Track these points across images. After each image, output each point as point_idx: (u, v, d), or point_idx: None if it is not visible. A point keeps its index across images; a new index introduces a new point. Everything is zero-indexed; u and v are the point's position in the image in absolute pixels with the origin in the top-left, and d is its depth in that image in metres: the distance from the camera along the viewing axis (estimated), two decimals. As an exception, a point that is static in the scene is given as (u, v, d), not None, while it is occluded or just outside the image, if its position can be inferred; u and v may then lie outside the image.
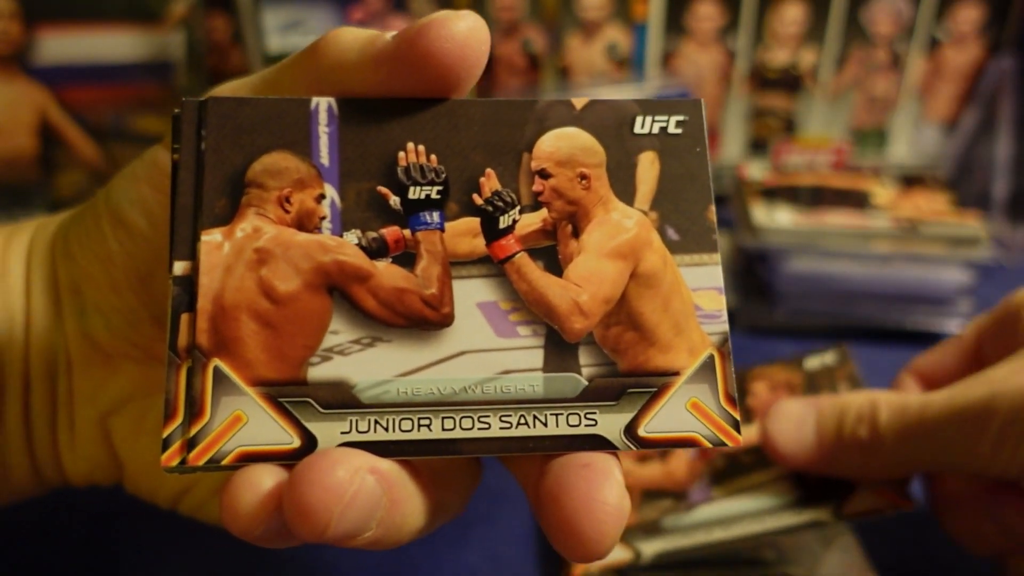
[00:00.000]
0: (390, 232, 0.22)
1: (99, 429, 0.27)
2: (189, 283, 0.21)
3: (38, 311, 0.27)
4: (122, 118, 0.57)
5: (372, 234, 0.22)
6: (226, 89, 0.24)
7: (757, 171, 0.58)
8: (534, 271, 0.22)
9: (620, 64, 0.62)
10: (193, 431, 0.20)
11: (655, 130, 0.23)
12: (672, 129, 0.23)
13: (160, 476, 0.27)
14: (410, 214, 0.22)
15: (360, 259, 0.22)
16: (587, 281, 0.22)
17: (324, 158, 0.22)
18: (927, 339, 0.50)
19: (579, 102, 0.23)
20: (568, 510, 0.20)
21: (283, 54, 0.57)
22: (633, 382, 0.21)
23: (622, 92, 0.58)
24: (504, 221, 0.22)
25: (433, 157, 0.22)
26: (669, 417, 0.21)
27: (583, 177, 0.23)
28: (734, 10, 0.60)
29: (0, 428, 0.27)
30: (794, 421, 0.32)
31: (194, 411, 0.20)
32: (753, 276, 0.53)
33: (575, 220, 0.23)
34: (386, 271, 0.22)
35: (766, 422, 0.33)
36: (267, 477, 0.20)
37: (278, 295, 0.21)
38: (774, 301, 0.51)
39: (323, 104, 0.22)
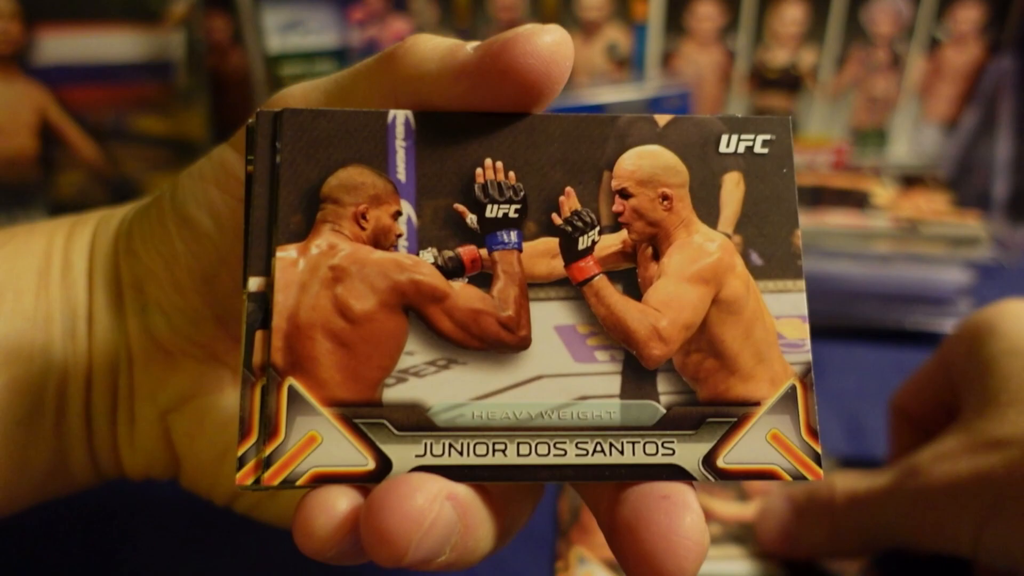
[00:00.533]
0: (467, 251, 0.22)
1: (159, 426, 0.27)
2: (264, 300, 0.21)
3: (100, 307, 0.27)
4: (122, 118, 0.57)
5: (448, 253, 0.21)
6: (297, 92, 0.23)
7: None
8: (613, 294, 0.22)
9: (620, 64, 0.62)
10: (268, 450, 0.20)
11: (741, 149, 0.22)
12: (758, 149, 0.22)
13: (217, 474, 0.28)
14: (487, 233, 0.22)
15: (436, 279, 0.21)
16: (667, 306, 0.22)
17: (401, 174, 0.22)
18: (927, 339, 0.50)
19: (662, 119, 0.22)
20: (647, 543, 0.20)
21: (283, 54, 0.57)
22: (712, 411, 0.21)
23: (622, 92, 0.58)
24: (583, 242, 0.22)
25: (512, 174, 0.22)
26: (749, 448, 0.21)
27: (665, 198, 0.22)
28: (734, 10, 0.60)
29: (61, 424, 0.27)
30: (775, 514, 0.36)
31: (269, 430, 0.20)
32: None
33: (656, 242, 0.22)
34: (462, 292, 0.21)
35: (756, 522, 0.37)
36: (342, 499, 0.20)
37: (354, 314, 0.21)
38: (774, 301, 0.51)
39: (400, 117, 0.22)
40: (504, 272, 0.22)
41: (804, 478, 0.21)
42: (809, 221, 0.52)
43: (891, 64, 0.62)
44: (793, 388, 0.21)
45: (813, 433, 0.21)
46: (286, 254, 0.21)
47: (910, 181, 0.58)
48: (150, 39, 0.56)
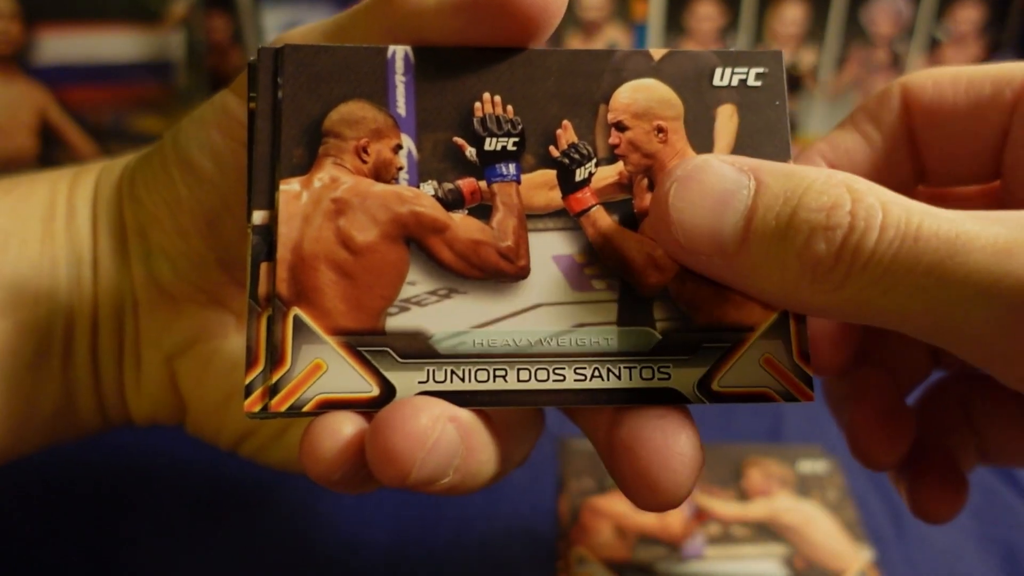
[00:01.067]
0: (466, 184, 0.22)
1: (164, 370, 0.28)
2: (268, 232, 0.21)
3: (105, 253, 0.27)
4: (122, 118, 0.57)
5: (448, 185, 0.22)
6: (296, 35, 0.24)
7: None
8: (610, 225, 0.22)
9: (620, 64, 0.62)
10: (275, 378, 0.21)
11: (734, 82, 0.23)
12: (751, 81, 0.23)
13: (223, 418, 0.28)
14: (486, 165, 0.22)
15: (437, 210, 0.22)
16: None
17: (400, 108, 0.22)
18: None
19: (657, 53, 0.23)
20: (644, 460, 0.20)
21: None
22: (707, 337, 0.21)
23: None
24: (580, 174, 0.22)
25: (510, 108, 0.22)
26: (743, 372, 0.21)
27: (660, 130, 0.22)
28: (734, 10, 0.60)
29: (68, 368, 0.27)
30: (715, 194, 0.20)
31: (275, 359, 0.21)
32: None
33: (651, 173, 0.22)
34: (462, 223, 0.22)
35: (668, 181, 0.21)
36: (347, 424, 0.20)
37: (356, 245, 0.21)
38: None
39: (400, 52, 0.22)
40: (503, 203, 0.22)
41: (795, 399, 0.21)
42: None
43: (891, 64, 0.62)
44: (785, 315, 0.21)
45: (804, 357, 0.21)
46: (289, 187, 0.21)
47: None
48: (150, 39, 0.56)
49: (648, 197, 0.22)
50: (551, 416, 0.42)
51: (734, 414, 0.45)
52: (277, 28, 0.58)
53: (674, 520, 0.38)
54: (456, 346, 0.21)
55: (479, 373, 0.21)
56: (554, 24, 0.22)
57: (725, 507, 0.39)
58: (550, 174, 0.22)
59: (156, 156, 0.27)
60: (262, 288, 0.21)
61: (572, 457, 0.41)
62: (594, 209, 0.22)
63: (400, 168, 0.22)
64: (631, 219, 0.22)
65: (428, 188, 0.22)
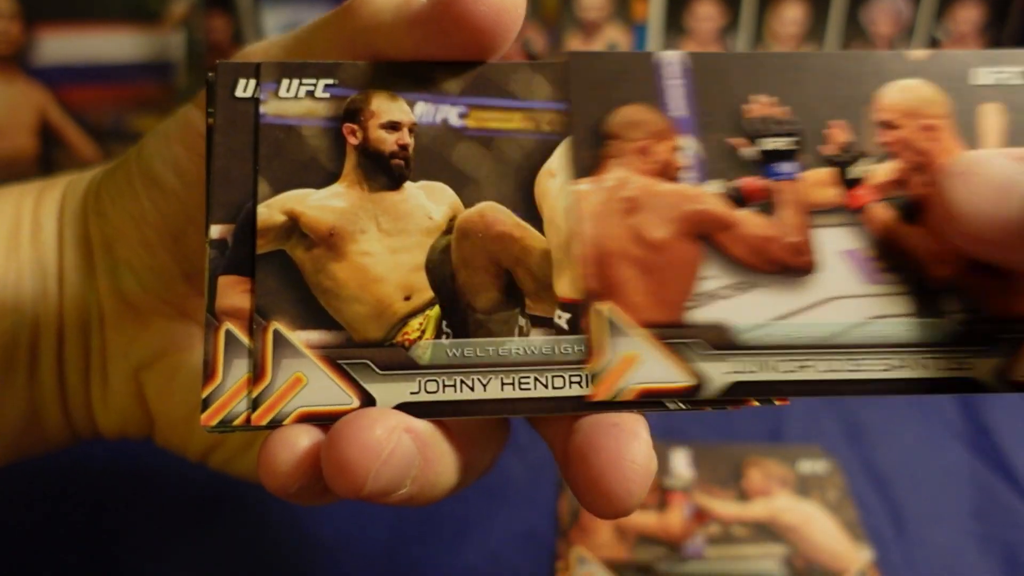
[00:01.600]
0: (749, 182, 0.23)
1: (131, 383, 0.28)
2: (225, 246, 0.21)
3: (71, 267, 0.27)
4: (122, 118, 0.57)
5: (733, 184, 0.23)
6: (259, 49, 0.24)
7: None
8: (892, 220, 0.22)
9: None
10: (256, 392, 0.21)
11: (999, 81, 0.23)
12: (1015, 81, 0.23)
13: (190, 430, 0.28)
14: (767, 164, 0.23)
15: (724, 208, 0.22)
16: None
17: (679, 110, 0.23)
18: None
19: (915, 54, 0.24)
20: (596, 469, 0.20)
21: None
22: (1002, 327, 0.22)
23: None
24: (855, 172, 0.23)
25: (785, 108, 0.23)
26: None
27: (929, 128, 0.23)
28: (734, 10, 0.60)
29: (34, 381, 0.27)
30: (997, 184, 0.21)
31: (257, 372, 0.21)
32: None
33: (924, 170, 0.23)
34: (749, 219, 0.22)
35: (947, 178, 0.21)
36: (304, 436, 0.20)
37: (652, 241, 0.22)
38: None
39: (675, 58, 0.23)
40: (786, 200, 0.23)
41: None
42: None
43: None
44: None
45: None
46: (580, 187, 0.22)
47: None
48: (150, 39, 0.56)
49: (925, 192, 0.23)
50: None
51: (734, 415, 0.45)
52: (277, 28, 0.58)
53: (674, 520, 0.38)
54: (761, 337, 0.21)
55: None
56: (511, 37, 0.22)
57: (725, 507, 0.39)
58: (825, 172, 0.23)
59: (121, 170, 0.27)
60: (221, 302, 0.21)
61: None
62: (875, 205, 0.23)
63: (679, 168, 0.23)
64: (911, 214, 0.23)
65: (716, 186, 0.22)
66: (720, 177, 0.22)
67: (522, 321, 0.22)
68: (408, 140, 0.22)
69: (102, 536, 0.37)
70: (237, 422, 0.21)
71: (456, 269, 0.22)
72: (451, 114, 0.22)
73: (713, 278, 0.22)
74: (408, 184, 0.22)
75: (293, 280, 0.21)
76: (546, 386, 0.21)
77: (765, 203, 0.22)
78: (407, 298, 0.22)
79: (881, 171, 0.23)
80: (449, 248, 0.22)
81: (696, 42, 0.62)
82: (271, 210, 0.22)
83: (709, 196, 0.22)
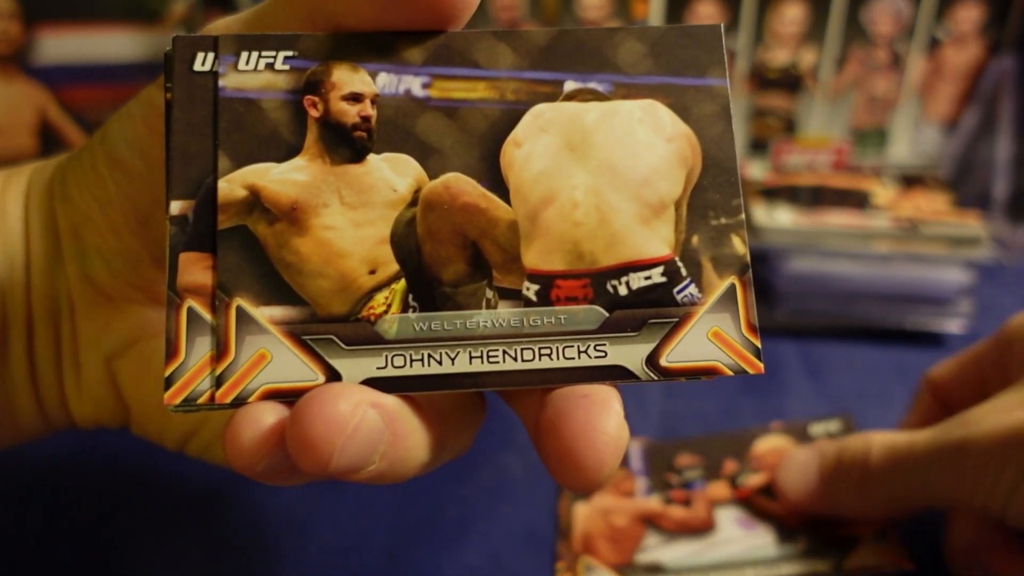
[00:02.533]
0: (675, 493, 0.34)
1: (104, 371, 0.28)
2: (186, 222, 0.21)
3: (38, 254, 0.27)
4: (122, 118, 0.57)
5: (666, 495, 0.33)
6: (220, 25, 0.24)
7: (757, 171, 0.58)
8: (761, 499, 0.36)
9: (620, 64, 0.62)
10: (219, 369, 0.21)
11: (816, 434, 0.34)
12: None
13: (166, 418, 0.28)
14: (686, 484, 0.36)
15: (662, 507, 0.37)
16: None
17: (637, 467, 0.39)
18: (927, 339, 0.50)
19: (778, 438, 0.30)
20: (567, 439, 0.20)
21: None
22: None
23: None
24: (739, 480, 0.37)
25: (698, 458, 0.33)
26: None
27: (780, 456, 0.37)
28: (734, 10, 0.60)
29: (4, 371, 0.27)
30: (799, 466, 0.35)
31: (220, 350, 0.21)
32: (753, 276, 0.52)
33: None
34: (676, 510, 0.34)
35: (776, 471, 0.36)
36: (269, 413, 0.20)
37: (616, 525, 0.31)
38: (774, 301, 0.51)
39: (636, 446, 0.33)
40: (697, 499, 0.37)
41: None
42: (809, 221, 0.52)
43: (891, 64, 0.62)
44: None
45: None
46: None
47: (910, 181, 0.58)
48: (150, 39, 0.56)
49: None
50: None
51: (734, 412, 0.45)
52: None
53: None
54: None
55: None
56: (471, 8, 0.22)
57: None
58: (723, 483, 0.38)
59: (86, 154, 0.26)
60: (182, 279, 0.21)
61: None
62: (754, 495, 0.37)
63: (635, 491, 0.34)
64: (770, 494, 0.37)
65: (656, 498, 0.37)
66: (660, 491, 0.37)
67: (489, 293, 0.22)
68: (370, 112, 0.22)
69: (99, 537, 0.37)
70: (201, 400, 0.20)
71: (422, 241, 0.22)
72: (414, 84, 0.22)
73: (651, 539, 0.36)
74: (371, 156, 0.22)
75: (255, 255, 0.21)
76: (515, 359, 0.21)
77: (686, 502, 0.37)
78: (372, 272, 0.21)
79: (755, 478, 0.38)
80: (414, 220, 0.22)
81: (696, 42, 0.62)
82: (232, 185, 0.22)
83: (653, 502, 0.37)
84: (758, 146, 0.65)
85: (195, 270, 0.21)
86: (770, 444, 0.40)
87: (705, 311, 0.22)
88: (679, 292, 0.22)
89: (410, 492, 0.39)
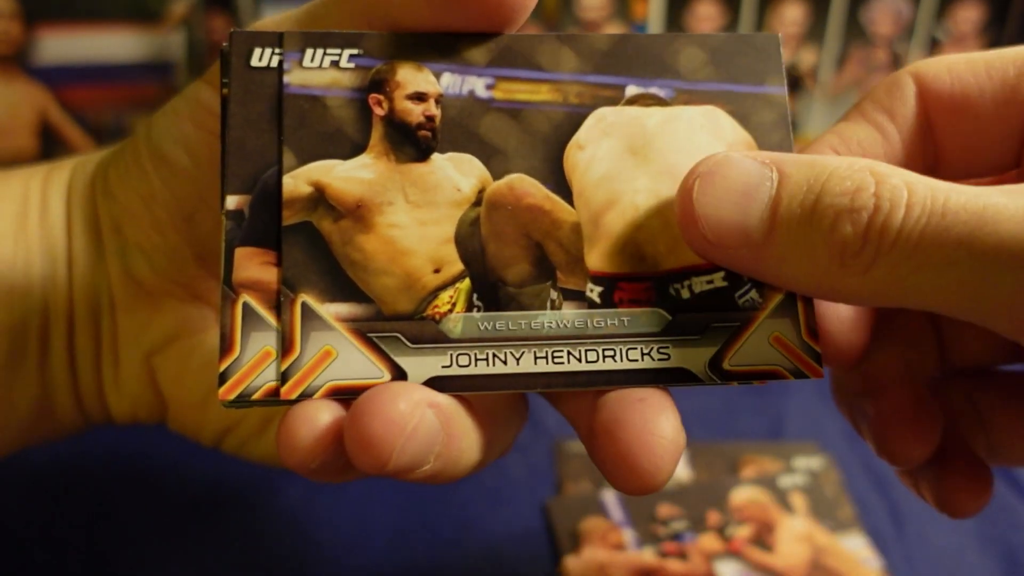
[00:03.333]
0: (667, 545, 0.33)
1: (144, 368, 0.27)
2: (241, 217, 0.21)
3: (80, 250, 0.27)
4: (122, 118, 0.57)
5: (659, 548, 0.33)
6: (270, 23, 0.24)
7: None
8: (753, 551, 0.34)
9: (620, 64, 0.62)
10: (285, 365, 0.20)
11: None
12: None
13: (204, 414, 0.28)
14: (676, 536, 0.34)
15: (658, 561, 0.36)
16: None
17: (619, 517, 0.38)
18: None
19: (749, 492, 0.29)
20: (624, 444, 0.20)
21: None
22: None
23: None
24: (728, 532, 0.36)
25: (679, 509, 0.33)
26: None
27: (761, 507, 0.36)
28: (734, 10, 0.61)
29: (45, 367, 0.27)
30: (740, 187, 0.20)
31: (285, 346, 0.21)
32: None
33: (766, 529, 0.36)
34: (673, 565, 0.33)
35: (691, 179, 0.21)
36: (324, 411, 0.20)
37: None
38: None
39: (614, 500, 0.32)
40: (691, 551, 0.36)
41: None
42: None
43: (891, 64, 0.62)
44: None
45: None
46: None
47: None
48: (150, 39, 0.56)
49: (769, 537, 0.35)
50: (549, 418, 0.42)
51: (735, 411, 0.45)
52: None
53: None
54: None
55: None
56: (528, 9, 0.22)
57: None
58: (712, 534, 0.38)
59: (129, 150, 0.26)
60: (238, 274, 0.21)
61: (569, 460, 0.41)
62: (745, 546, 0.36)
63: (625, 544, 0.34)
64: (764, 545, 0.35)
65: (650, 550, 0.34)
66: (651, 543, 0.37)
67: (553, 294, 0.22)
68: (435, 111, 0.22)
69: (102, 537, 0.37)
70: (256, 396, 0.20)
71: (486, 242, 0.22)
72: (478, 85, 0.22)
73: None
74: (435, 155, 0.22)
75: (320, 252, 0.21)
76: (579, 359, 0.21)
77: (681, 555, 0.36)
78: (436, 271, 0.21)
79: (743, 529, 0.38)
80: (478, 220, 0.22)
81: (696, 42, 0.62)
82: (297, 181, 0.21)
83: (647, 555, 0.36)
84: (758, 146, 0.65)
85: (251, 265, 0.21)
86: (747, 496, 0.40)
87: (766, 316, 0.22)
88: (740, 296, 0.22)
89: (410, 492, 0.39)
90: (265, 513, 0.38)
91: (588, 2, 0.60)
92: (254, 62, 0.22)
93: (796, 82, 0.63)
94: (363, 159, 0.22)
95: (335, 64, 0.22)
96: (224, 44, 0.22)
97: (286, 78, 0.22)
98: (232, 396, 0.20)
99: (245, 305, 0.21)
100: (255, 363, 0.20)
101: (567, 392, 0.22)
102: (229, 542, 0.37)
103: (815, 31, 0.61)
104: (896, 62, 0.62)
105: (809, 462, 0.41)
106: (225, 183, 0.21)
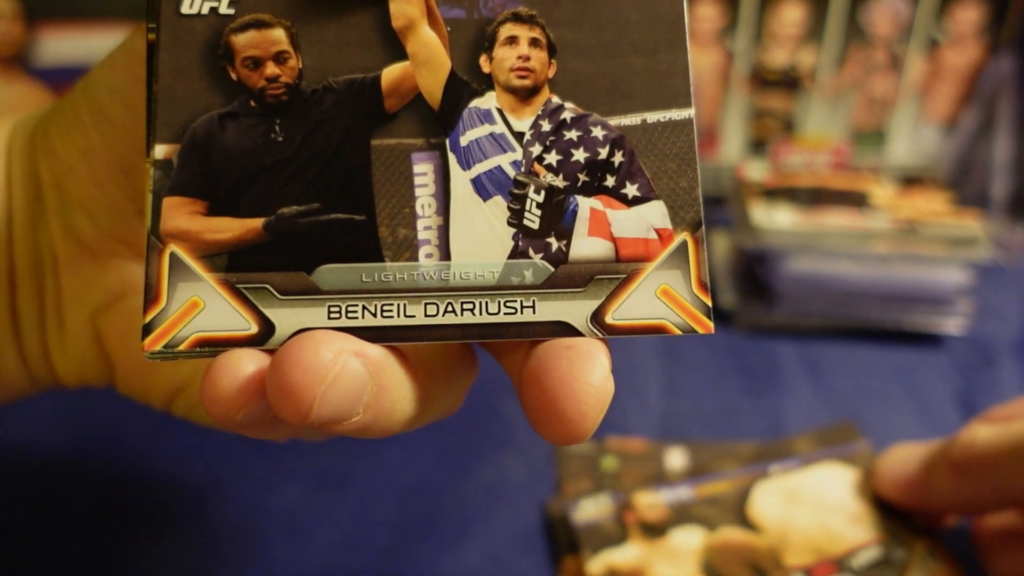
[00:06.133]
0: None
1: (89, 328, 0.27)
2: (170, 166, 0.21)
3: (20, 208, 0.26)
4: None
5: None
6: None
7: (756, 171, 0.58)
8: None
9: (620, 65, 0.62)
10: (148, 317, 0.20)
11: None
12: None
13: (152, 375, 0.27)
14: None
15: None
16: None
17: None
18: (926, 339, 0.50)
19: None
20: (549, 390, 0.20)
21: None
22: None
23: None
24: None
25: None
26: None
27: None
28: (734, 11, 0.61)
29: None
30: (903, 455, 0.35)
31: (151, 296, 0.20)
32: (752, 276, 0.53)
33: None
34: None
35: (878, 462, 0.36)
36: (248, 361, 0.20)
37: None
38: (773, 301, 0.51)
39: None
40: None
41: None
42: (809, 221, 0.52)
43: (890, 65, 0.62)
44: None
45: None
46: None
47: (909, 181, 0.58)
48: (150, 39, 0.56)
49: None
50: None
51: (735, 411, 0.45)
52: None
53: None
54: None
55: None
56: None
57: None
58: None
59: (68, 104, 0.26)
60: (164, 224, 0.21)
61: (569, 460, 0.41)
62: None
63: None
64: None
65: None
66: None
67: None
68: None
69: (97, 537, 0.37)
70: (182, 347, 0.20)
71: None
72: None
73: None
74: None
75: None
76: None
77: None
78: None
79: None
80: None
81: (696, 42, 0.62)
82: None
83: None
84: (757, 146, 0.65)
85: (179, 215, 0.21)
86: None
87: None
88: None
89: (410, 492, 0.39)
90: (265, 513, 0.38)
91: (588, 3, 0.60)
92: (184, 9, 0.22)
93: (795, 83, 0.63)
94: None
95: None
96: None
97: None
98: (157, 347, 0.20)
99: (172, 255, 0.20)
100: (181, 313, 0.20)
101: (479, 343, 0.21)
102: (229, 542, 0.37)
103: (814, 32, 0.61)
104: (895, 63, 0.62)
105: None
106: (154, 132, 0.21)
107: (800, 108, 0.64)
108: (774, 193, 0.55)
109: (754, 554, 0.35)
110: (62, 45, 0.55)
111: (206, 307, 0.20)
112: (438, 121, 0.22)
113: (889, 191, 0.56)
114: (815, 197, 0.55)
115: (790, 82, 0.63)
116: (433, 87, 0.22)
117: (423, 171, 0.22)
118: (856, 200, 0.55)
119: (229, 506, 0.39)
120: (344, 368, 0.19)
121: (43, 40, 0.55)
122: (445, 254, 0.21)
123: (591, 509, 0.37)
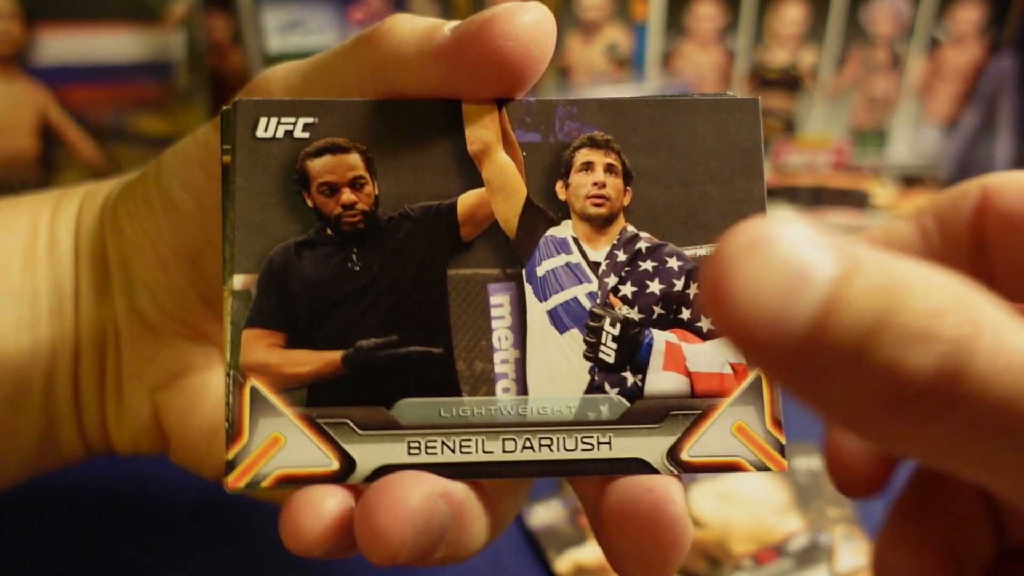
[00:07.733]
0: None
1: (147, 403, 0.27)
2: (248, 297, 0.21)
3: (87, 284, 0.27)
4: (122, 118, 0.57)
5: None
6: (278, 74, 0.23)
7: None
8: None
9: (620, 64, 0.62)
10: (231, 453, 0.20)
11: None
12: None
13: (206, 450, 0.27)
14: None
15: None
16: None
17: None
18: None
19: None
20: (631, 535, 0.20)
21: (283, 54, 0.57)
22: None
23: (622, 92, 0.58)
24: None
25: None
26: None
27: None
28: (734, 10, 0.61)
29: (50, 400, 0.27)
30: (785, 274, 0.14)
31: (232, 433, 0.20)
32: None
33: None
34: None
35: (723, 252, 0.14)
36: (329, 499, 0.20)
37: None
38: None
39: None
40: None
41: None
42: (809, 221, 0.52)
43: (891, 64, 0.62)
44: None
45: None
46: None
47: (910, 181, 0.58)
48: (150, 39, 0.56)
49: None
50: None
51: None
52: (277, 28, 0.58)
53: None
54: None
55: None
56: (539, 72, 0.21)
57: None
58: None
59: (139, 187, 0.26)
60: (245, 357, 0.20)
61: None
62: None
63: None
64: None
65: None
66: None
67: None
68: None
69: (103, 540, 0.37)
70: (265, 484, 0.20)
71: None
72: None
73: None
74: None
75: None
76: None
77: None
78: None
79: None
80: None
81: (696, 42, 0.62)
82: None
83: None
84: (758, 146, 0.65)
85: (258, 348, 0.20)
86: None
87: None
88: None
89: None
90: (264, 512, 0.38)
91: (588, 2, 0.60)
92: (260, 132, 0.21)
93: (796, 82, 0.63)
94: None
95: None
96: (226, 107, 0.21)
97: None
98: (241, 484, 0.20)
99: (253, 390, 0.20)
100: (263, 449, 0.20)
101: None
102: (229, 543, 0.37)
103: (815, 31, 0.61)
104: (896, 62, 0.62)
105: (809, 462, 0.41)
106: (232, 261, 0.21)
107: (800, 108, 0.64)
108: (775, 193, 0.55)
109: (705, 546, 0.37)
110: (62, 45, 0.55)
111: (287, 443, 0.20)
112: (514, 250, 0.21)
113: (889, 190, 0.56)
114: (816, 197, 0.55)
115: (790, 81, 0.63)
116: (509, 215, 0.21)
117: (499, 302, 0.21)
118: (857, 200, 0.55)
119: (230, 508, 0.39)
120: (432, 513, 0.19)
121: (43, 40, 0.55)
122: (522, 388, 0.21)
123: (544, 514, 0.38)
